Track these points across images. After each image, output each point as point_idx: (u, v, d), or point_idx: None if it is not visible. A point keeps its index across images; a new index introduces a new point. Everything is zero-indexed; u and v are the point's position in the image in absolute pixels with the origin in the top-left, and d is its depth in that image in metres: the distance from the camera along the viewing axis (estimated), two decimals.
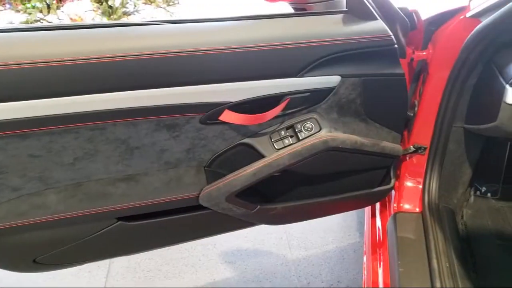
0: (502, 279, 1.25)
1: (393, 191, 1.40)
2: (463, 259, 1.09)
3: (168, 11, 4.89)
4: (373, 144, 1.03)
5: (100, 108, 0.75)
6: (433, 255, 1.08)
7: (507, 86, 0.89)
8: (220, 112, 0.85)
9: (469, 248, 1.39)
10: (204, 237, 1.10)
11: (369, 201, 1.25)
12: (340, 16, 0.91)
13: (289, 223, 1.15)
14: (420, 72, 1.26)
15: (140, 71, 0.77)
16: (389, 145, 1.09)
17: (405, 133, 1.38)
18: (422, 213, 1.25)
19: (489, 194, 1.60)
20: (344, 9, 0.91)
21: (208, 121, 0.87)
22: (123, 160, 0.86)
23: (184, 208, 0.98)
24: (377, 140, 1.05)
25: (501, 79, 0.92)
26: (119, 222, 0.94)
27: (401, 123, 1.10)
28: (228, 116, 0.86)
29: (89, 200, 0.87)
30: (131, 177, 0.90)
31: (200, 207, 0.98)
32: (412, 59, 1.16)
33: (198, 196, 0.94)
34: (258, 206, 1.00)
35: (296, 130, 0.95)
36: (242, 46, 0.84)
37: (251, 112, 0.89)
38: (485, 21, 0.94)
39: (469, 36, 1.00)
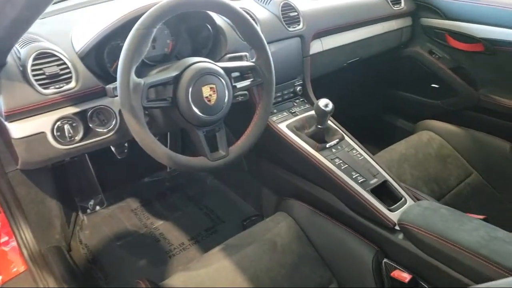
0: (127, 273, 1.36)
1: None
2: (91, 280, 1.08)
3: None
4: None
5: None
6: None
7: (6, 123, 0.88)
8: None
9: (98, 264, 1.42)
10: None
11: None
12: None
13: None
14: None
15: None
16: None
17: None
18: (29, 269, 1.15)
19: (97, 207, 1.69)
20: None
21: None
22: None
23: None
24: None
25: (1, 118, 0.90)
26: None
27: None
28: None
29: None
30: None
31: None
32: None
33: None
34: None
35: None
36: None
37: None
38: None
39: None
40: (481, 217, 0.97)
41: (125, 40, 0.83)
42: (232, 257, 1.05)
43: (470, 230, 0.87)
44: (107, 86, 0.91)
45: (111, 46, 1.02)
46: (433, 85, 1.76)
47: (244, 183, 1.66)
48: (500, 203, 1.41)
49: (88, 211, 1.65)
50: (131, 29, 0.83)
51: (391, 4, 1.63)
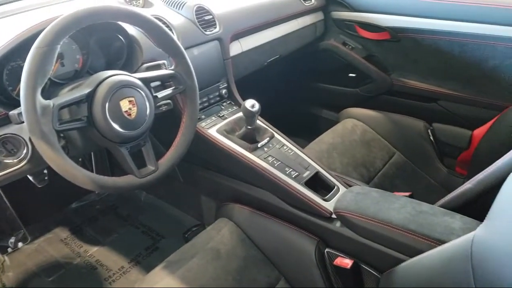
0: None
1: None
2: None
3: None
4: None
5: None
6: None
7: None
8: None
9: None
10: None
11: None
12: None
13: None
14: None
15: None
16: None
17: None
18: None
19: (20, 244, 1.54)
20: None
21: None
22: None
23: None
24: None
25: None
26: None
27: None
28: None
29: None
30: None
31: None
32: None
33: None
34: None
35: None
36: None
37: None
38: None
39: None
40: (407, 194, 1.03)
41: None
42: (176, 273, 1.01)
43: (399, 208, 0.92)
44: (11, 113, 0.82)
45: (11, 67, 0.92)
46: (350, 75, 1.85)
47: (181, 194, 1.61)
48: (421, 178, 1.52)
49: (9, 250, 1.49)
50: (31, 47, 0.76)
51: (302, 0, 1.68)
